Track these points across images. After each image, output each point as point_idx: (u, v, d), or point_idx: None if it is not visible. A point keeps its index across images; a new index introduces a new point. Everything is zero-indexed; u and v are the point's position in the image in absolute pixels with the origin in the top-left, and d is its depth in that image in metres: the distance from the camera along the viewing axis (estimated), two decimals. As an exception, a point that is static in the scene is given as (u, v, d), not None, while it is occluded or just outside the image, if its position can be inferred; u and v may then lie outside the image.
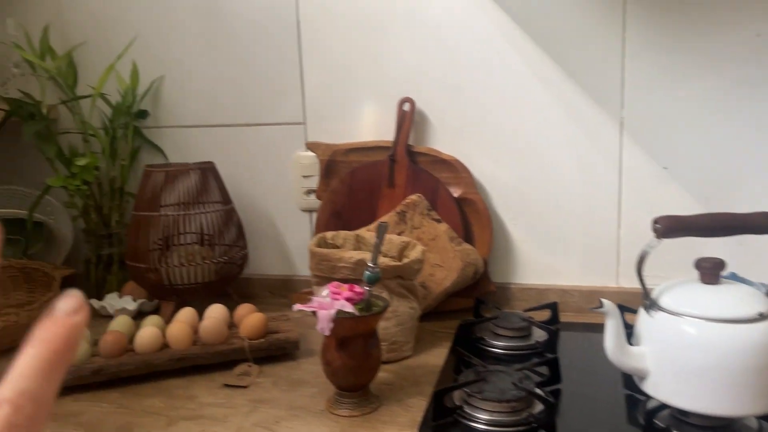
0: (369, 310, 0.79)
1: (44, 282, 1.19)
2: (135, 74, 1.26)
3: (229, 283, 1.20)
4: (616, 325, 0.73)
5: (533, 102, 1.11)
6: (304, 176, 1.24)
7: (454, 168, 1.14)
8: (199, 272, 1.14)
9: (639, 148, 1.08)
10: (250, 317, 0.98)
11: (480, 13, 1.10)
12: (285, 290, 1.29)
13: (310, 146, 1.22)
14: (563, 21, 1.07)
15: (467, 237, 1.13)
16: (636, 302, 1.05)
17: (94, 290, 1.27)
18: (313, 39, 1.19)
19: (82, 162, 1.13)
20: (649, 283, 0.75)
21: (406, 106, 1.15)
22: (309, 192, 1.25)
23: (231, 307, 1.05)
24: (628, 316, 0.85)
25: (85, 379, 0.90)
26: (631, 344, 0.75)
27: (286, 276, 1.30)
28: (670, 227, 0.70)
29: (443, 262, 1.09)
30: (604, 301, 0.73)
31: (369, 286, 0.79)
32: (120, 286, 1.27)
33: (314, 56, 1.19)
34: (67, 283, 1.20)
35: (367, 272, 0.79)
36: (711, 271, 0.70)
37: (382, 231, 0.78)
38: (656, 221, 0.71)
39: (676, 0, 1.02)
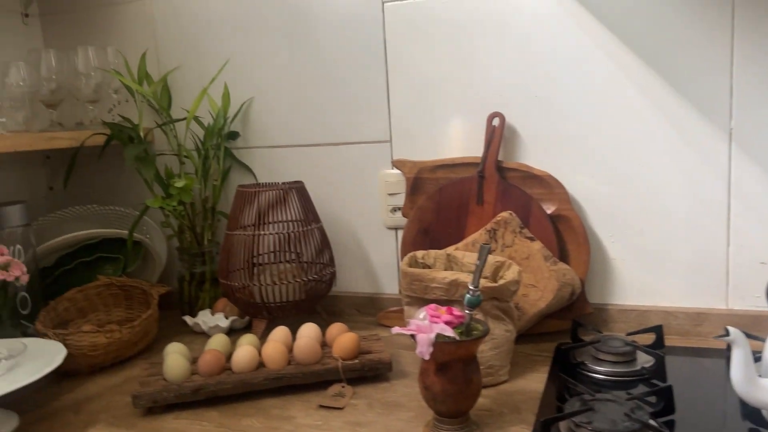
0: (469, 335, 0.77)
1: (142, 299, 1.24)
2: (226, 97, 1.29)
3: (318, 301, 1.20)
4: (744, 355, 0.67)
5: (632, 113, 1.05)
6: (390, 194, 1.24)
7: (547, 183, 1.10)
8: (289, 290, 1.15)
9: (750, 160, 1.00)
10: (342, 337, 0.98)
11: (572, 23, 1.07)
12: (371, 308, 1.28)
13: (396, 164, 1.21)
14: (664, 28, 1.02)
15: (562, 256, 1.09)
16: (749, 326, 0.99)
17: (187, 307, 1.31)
18: (400, 57, 1.18)
19: (180, 184, 1.17)
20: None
21: (496, 121, 1.12)
22: (395, 209, 1.24)
23: (320, 325, 1.05)
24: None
25: (185, 397, 0.92)
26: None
27: (372, 294, 1.29)
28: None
29: (537, 282, 1.05)
30: (731, 328, 0.68)
31: (469, 310, 0.77)
32: (212, 303, 1.30)
33: (400, 74, 1.19)
34: (162, 301, 1.24)
35: (468, 295, 0.77)
36: None
37: (484, 253, 0.76)
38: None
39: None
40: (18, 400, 0.94)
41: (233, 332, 1.22)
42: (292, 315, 1.17)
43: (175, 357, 0.94)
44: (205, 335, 1.22)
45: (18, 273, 1.05)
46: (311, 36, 1.24)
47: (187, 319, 1.26)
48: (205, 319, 1.24)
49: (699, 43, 1.00)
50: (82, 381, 1.05)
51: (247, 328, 1.24)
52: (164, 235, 1.36)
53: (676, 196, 1.05)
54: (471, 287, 0.77)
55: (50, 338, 1.02)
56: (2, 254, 1.05)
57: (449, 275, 0.91)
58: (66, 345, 1.00)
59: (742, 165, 1.01)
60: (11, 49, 1.38)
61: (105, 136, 1.27)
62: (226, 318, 1.23)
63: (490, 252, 0.76)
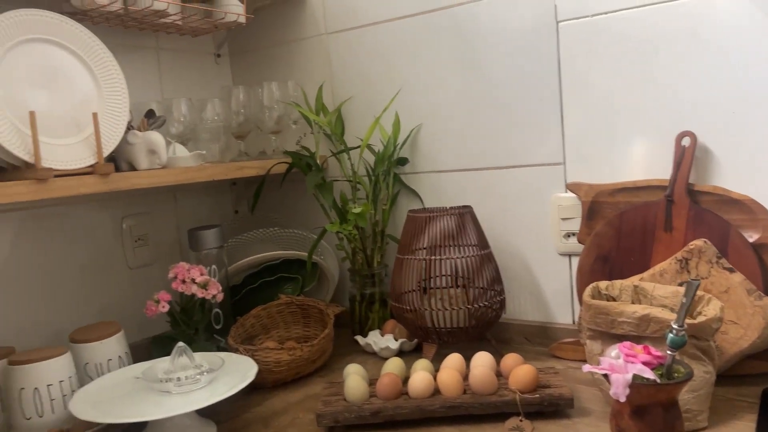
0: (670, 377, 0.71)
1: (318, 318, 1.30)
2: (397, 125, 1.33)
3: (488, 328, 1.18)
4: None
5: None
6: (564, 218, 1.19)
7: (749, 209, 0.99)
8: (459, 316, 1.14)
9: None
10: (520, 369, 0.95)
11: (779, 31, 0.96)
12: (542, 338, 1.23)
13: (571, 187, 1.16)
14: None
15: (769, 290, 0.97)
16: None
17: (358, 327, 1.35)
18: (575, 76, 1.14)
19: (357, 210, 1.22)
20: None
21: (686, 141, 1.03)
22: (569, 235, 1.19)
23: (489, 352, 1.03)
24: None
25: (365, 419, 0.94)
26: None
27: (543, 323, 1.24)
28: None
29: (739, 318, 0.94)
30: None
31: (672, 350, 0.71)
32: (381, 324, 1.33)
33: (576, 94, 1.14)
34: (336, 320, 1.29)
35: (671, 334, 0.71)
36: None
37: (692, 289, 0.70)
38: None
39: None
40: (215, 411, 1.02)
41: (402, 354, 1.24)
42: (462, 341, 1.16)
43: (355, 378, 0.97)
44: (376, 356, 1.25)
45: (215, 291, 1.15)
46: (481, 60, 1.24)
47: (359, 339, 1.30)
48: (375, 339, 1.27)
49: None
50: (266, 395, 1.12)
51: (416, 351, 1.25)
52: (337, 257, 1.42)
53: None
54: (675, 326, 0.71)
55: (241, 353, 1.10)
56: (202, 274, 1.16)
57: (640, 309, 0.85)
58: (254, 360, 1.07)
59: None
60: (206, 86, 1.53)
61: (286, 164, 1.36)
62: (396, 340, 1.26)
63: (697, 287, 0.70)
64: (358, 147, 1.34)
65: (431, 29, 1.29)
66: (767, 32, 0.97)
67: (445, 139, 1.31)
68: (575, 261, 1.17)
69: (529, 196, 1.22)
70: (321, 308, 1.28)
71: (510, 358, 1.00)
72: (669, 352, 0.71)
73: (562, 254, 1.21)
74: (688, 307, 0.70)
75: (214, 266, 1.24)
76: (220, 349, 1.20)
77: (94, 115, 1.03)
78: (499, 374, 1.00)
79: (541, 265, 1.23)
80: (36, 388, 0.96)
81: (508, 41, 1.20)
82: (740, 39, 0.99)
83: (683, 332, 0.70)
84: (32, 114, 0.94)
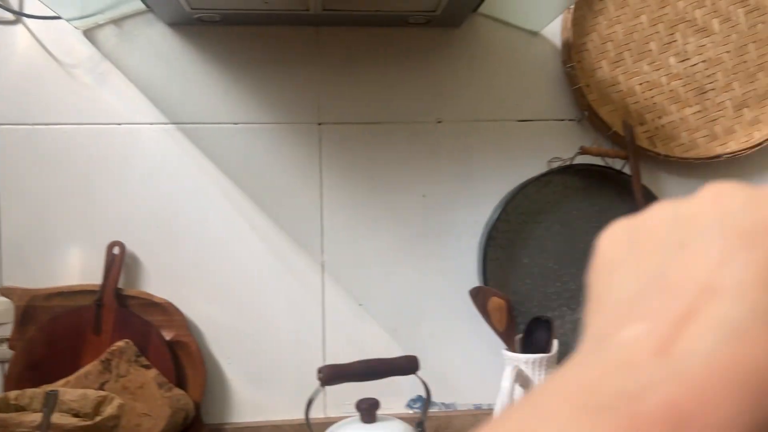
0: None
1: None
2: None
3: None
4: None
5: (246, 248, 1.13)
6: (-1, 325, 1.12)
7: (167, 311, 1.10)
8: None
9: (338, 287, 1.16)
10: None
11: (194, 167, 1.13)
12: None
13: (4, 291, 1.10)
14: (269, 178, 1.14)
15: (180, 381, 1.08)
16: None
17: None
18: (14, 181, 1.11)
19: None
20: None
21: (116, 250, 1.11)
22: (1, 341, 1.12)
23: None
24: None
25: None
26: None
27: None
28: (331, 375, 0.75)
29: (151, 410, 1.02)
30: None
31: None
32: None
33: (14, 198, 1.12)
34: None
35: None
36: (367, 411, 0.77)
37: (50, 401, 0.72)
38: (320, 370, 0.77)
39: (362, 165, 1.16)
40: None
41: None
42: None
43: None
44: None
45: None
46: None
47: None
48: None
49: (296, 191, 1.14)
50: None
51: None
52: None
53: (281, 319, 1.15)
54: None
55: None
56: None
57: (38, 417, 0.84)
58: None
59: (332, 291, 1.16)
60: None
61: None
62: None
63: (56, 398, 0.73)
64: None
65: None
66: (188, 167, 1.14)
67: None
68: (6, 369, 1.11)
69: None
70: None
71: None
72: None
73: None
74: (49, 417, 0.73)
75: None
76: None
77: None
78: None
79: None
80: None
81: None
82: (165, 166, 1.13)
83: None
84: None
